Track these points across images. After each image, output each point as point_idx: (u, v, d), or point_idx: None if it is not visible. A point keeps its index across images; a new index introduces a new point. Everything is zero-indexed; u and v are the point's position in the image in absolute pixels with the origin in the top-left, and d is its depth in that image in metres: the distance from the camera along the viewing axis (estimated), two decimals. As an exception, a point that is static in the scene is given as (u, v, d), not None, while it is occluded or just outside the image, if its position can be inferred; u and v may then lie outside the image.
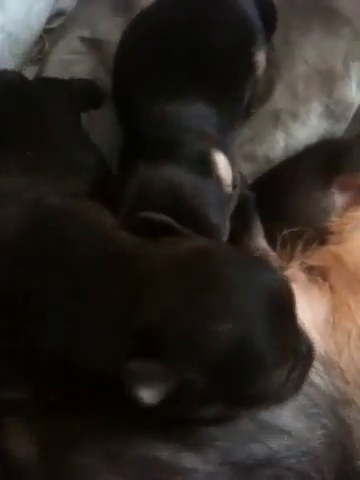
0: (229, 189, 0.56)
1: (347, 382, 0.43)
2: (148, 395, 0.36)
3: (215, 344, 0.37)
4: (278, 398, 0.40)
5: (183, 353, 0.37)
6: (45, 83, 0.68)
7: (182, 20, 0.63)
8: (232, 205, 0.57)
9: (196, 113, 0.60)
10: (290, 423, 0.42)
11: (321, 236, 0.58)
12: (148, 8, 0.67)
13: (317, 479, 0.40)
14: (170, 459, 0.41)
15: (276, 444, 0.41)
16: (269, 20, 0.67)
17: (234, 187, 0.57)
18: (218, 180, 0.55)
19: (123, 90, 0.65)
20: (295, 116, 0.69)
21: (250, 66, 0.64)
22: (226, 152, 0.59)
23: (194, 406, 0.39)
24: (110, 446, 0.41)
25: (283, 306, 0.40)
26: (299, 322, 0.41)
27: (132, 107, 0.62)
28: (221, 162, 0.57)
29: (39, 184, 0.50)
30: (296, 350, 0.40)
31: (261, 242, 0.61)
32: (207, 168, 0.55)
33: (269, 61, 0.67)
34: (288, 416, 0.42)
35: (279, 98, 0.69)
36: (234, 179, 0.58)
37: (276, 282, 0.40)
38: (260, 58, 0.65)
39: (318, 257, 0.56)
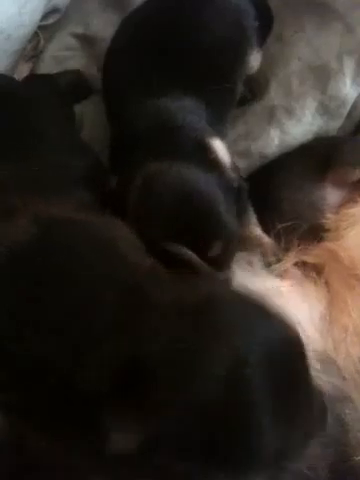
0: (233, 175, 0.56)
1: (344, 379, 0.44)
2: (123, 442, 0.34)
3: (205, 389, 0.34)
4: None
5: (169, 394, 0.34)
6: (35, 83, 0.68)
7: (172, 16, 0.63)
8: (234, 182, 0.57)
9: (187, 107, 0.60)
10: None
11: (317, 233, 0.59)
12: (141, 5, 0.67)
13: (311, 477, 0.40)
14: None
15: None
16: (265, 21, 0.67)
17: (235, 170, 0.58)
18: (222, 168, 0.55)
19: (113, 87, 0.65)
20: (290, 113, 0.69)
21: (243, 63, 0.64)
22: (220, 133, 0.59)
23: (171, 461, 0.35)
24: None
25: (292, 363, 0.37)
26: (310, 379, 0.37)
27: (123, 104, 0.62)
28: (219, 148, 0.57)
29: (38, 199, 0.48)
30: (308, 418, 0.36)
31: (255, 229, 0.61)
32: (207, 157, 0.55)
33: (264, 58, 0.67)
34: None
35: (273, 95, 0.69)
36: (233, 163, 0.58)
37: (286, 338, 0.37)
38: (254, 58, 0.65)
39: (314, 254, 0.56)
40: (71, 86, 0.71)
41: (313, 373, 0.37)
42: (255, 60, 0.66)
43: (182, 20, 0.62)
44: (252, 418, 0.33)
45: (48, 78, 0.70)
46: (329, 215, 0.59)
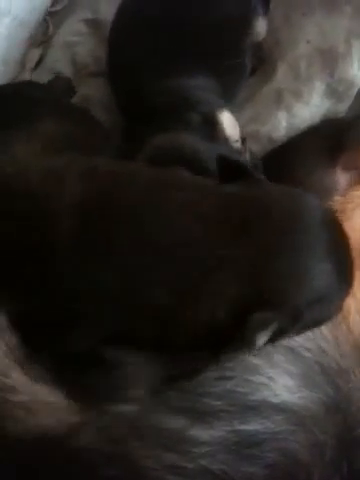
0: (237, 145, 0.58)
1: (343, 355, 0.45)
2: (262, 340, 0.39)
3: (317, 280, 0.40)
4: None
5: (292, 295, 0.40)
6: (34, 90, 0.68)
7: None
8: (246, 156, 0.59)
9: (197, 84, 0.61)
10: (289, 398, 0.44)
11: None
12: None
13: (322, 441, 0.41)
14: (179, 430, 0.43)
15: (276, 421, 0.43)
16: None
17: (243, 141, 0.58)
18: (225, 140, 0.57)
19: (120, 68, 0.66)
20: (298, 96, 0.69)
21: (249, 34, 0.65)
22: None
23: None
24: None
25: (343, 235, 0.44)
26: None
27: (133, 83, 0.63)
28: (226, 120, 0.60)
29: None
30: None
31: None
32: (213, 129, 0.57)
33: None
34: (287, 390, 0.44)
35: (282, 78, 0.70)
36: (242, 133, 0.60)
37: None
38: (260, 25, 0.66)
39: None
40: (61, 92, 0.73)
41: (316, 349, 0.40)
42: (261, 27, 0.67)
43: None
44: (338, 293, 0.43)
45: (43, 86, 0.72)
46: (337, 197, 0.60)
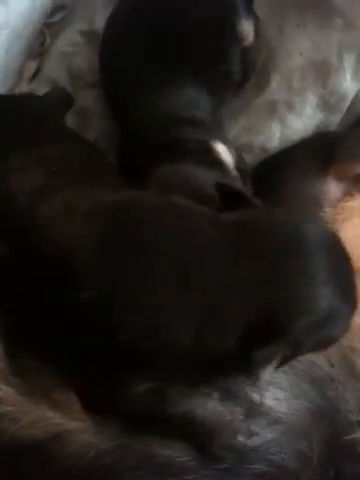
0: (234, 173, 0.59)
1: (332, 365, 0.46)
2: (268, 374, 0.39)
3: (319, 306, 0.41)
4: None
5: (296, 324, 0.40)
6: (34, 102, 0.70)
7: (157, 4, 0.64)
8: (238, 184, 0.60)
9: (186, 98, 0.62)
10: (276, 407, 0.45)
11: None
12: None
13: (306, 450, 0.42)
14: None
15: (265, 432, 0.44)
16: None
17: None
18: (225, 168, 0.58)
19: (111, 85, 0.67)
20: (291, 107, 0.70)
21: (234, 37, 0.65)
22: (220, 134, 0.62)
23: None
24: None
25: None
26: None
27: (123, 102, 0.64)
28: (221, 149, 0.60)
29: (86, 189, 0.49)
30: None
31: None
32: (211, 157, 0.58)
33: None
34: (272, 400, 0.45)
35: (275, 89, 0.71)
36: (236, 161, 0.61)
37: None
38: (245, 27, 0.66)
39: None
40: (59, 103, 0.73)
41: (306, 359, 0.41)
42: (246, 29, 0.66)
43: (167, 6, 0.63)
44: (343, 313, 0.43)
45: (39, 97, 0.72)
46: (327, 208, 0.61)
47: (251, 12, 0.67)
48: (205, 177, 0.55)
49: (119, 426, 0.43)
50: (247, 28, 0.66)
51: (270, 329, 0.40)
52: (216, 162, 0.58)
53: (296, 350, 0.41)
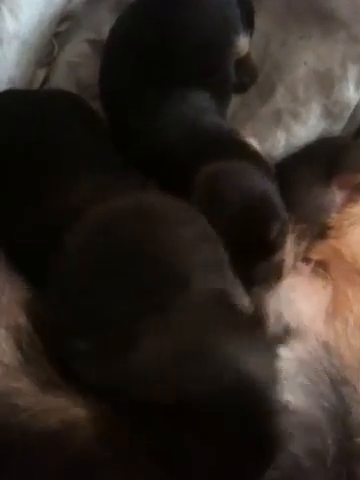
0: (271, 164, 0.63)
1: (345, 366, 0.47)
2: None
3: None
4: None
5: None
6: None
7: (158, 15, 0.65)
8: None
9: (203, 105, 0.64)
10: (293, 401, 0.46)
11: (321, 231, 0.62)
12: (126, 9, 0.69)
13: (320, 448, 0.43)
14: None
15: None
16: (245, 5, 0.70)
17: None
18: (263, 159, 0.62)
19: (114, 105, 0.68)
20: (296, 116, 0.72)
21: (231, 52, 0.68)
22: None
23: None
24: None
25: None
26: None
27: (135, 116, 0.64)
28: (254, 141, 0.64)
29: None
30: None
31: None
32: (247, 151, 0.60)
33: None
34: (290, 394, 0.46)
35: (280, 99, 0.72)
36: None
37: None
38: (242, 42, 0.68)
39: (319, 251, 0.60)
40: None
41: (318, 357, 0.41)
42: (242, 44, 0.69)
43: (168, 21, 0.65)
44: None
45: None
46: (333, 214, 0.63)
47: (252, 28, 0.70)
48: (252, 170, 0.57)
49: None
50: (243, 42, 0.69)
51: None
52: (253, 155, 0.60)
53: None
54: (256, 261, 0.54)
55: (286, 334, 0.50)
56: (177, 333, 0.42)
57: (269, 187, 0.57)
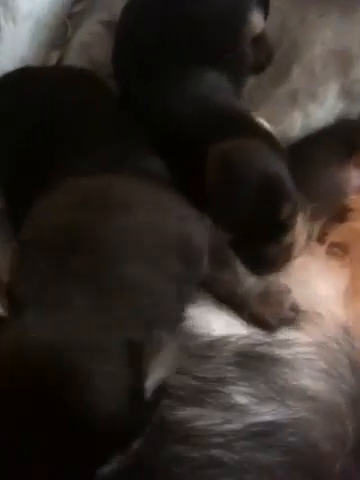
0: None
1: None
2: None
3: None
4: None
5: None
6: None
7: None
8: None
9: (219, 83, 0.63)
10: (312, 386, 0.45)
11: (342, 213, 0.61)
12: None
13: (340, 434, 0.43)
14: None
15: (297, 407, 0.44)
16: None
17: None
18: (275, 140, 0.61)
19: (128, 82, 0.67)
20: (313, 96, 0.70)
21: (245, 30, 0.66)
22: None
23: None
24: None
25: None
26: None
27: (151, 91, 0.63)
28: (263, 121, 0.63)
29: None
30: None
31: None
32: (260, 131, 0.60)
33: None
34: (309, 379, 0.45)
35: (297, 79, 0.71)
36: None
37: None
38: (255, 19, 0.67)
39: (338, 233, 0.59)
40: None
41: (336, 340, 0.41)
42: (256, 21, 0.68)
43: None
44: None
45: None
46: (353, 196, 0.62)
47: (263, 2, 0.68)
48: (265, 149, 0.56)
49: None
50: (257, 19, 0.68)
51: None
52: (266, 135, 0.59)
53: None
54: (266, 242, 0.53)
55: (296, 314, 0.50)
56: None
57: (282, 168, 0.57)
